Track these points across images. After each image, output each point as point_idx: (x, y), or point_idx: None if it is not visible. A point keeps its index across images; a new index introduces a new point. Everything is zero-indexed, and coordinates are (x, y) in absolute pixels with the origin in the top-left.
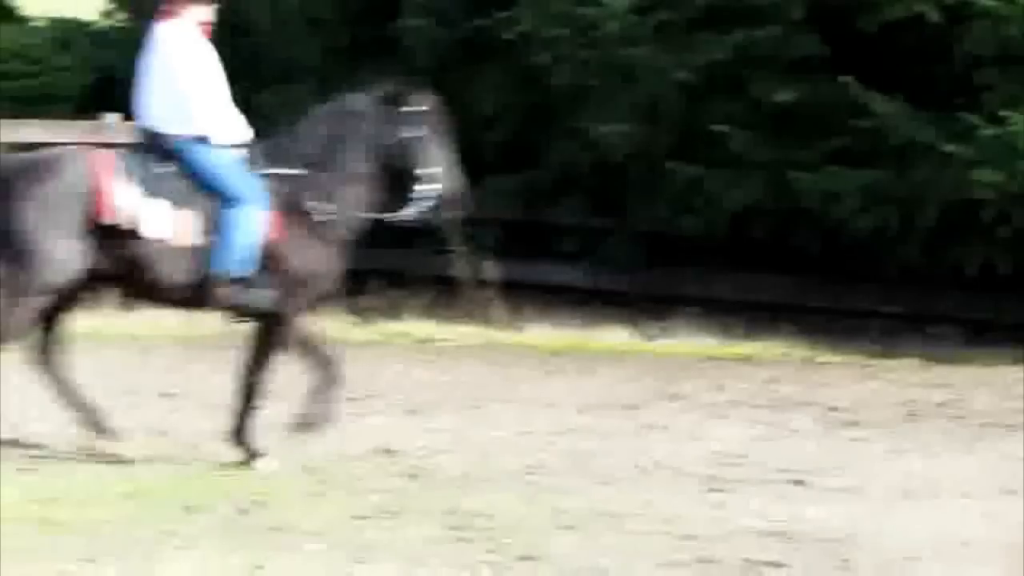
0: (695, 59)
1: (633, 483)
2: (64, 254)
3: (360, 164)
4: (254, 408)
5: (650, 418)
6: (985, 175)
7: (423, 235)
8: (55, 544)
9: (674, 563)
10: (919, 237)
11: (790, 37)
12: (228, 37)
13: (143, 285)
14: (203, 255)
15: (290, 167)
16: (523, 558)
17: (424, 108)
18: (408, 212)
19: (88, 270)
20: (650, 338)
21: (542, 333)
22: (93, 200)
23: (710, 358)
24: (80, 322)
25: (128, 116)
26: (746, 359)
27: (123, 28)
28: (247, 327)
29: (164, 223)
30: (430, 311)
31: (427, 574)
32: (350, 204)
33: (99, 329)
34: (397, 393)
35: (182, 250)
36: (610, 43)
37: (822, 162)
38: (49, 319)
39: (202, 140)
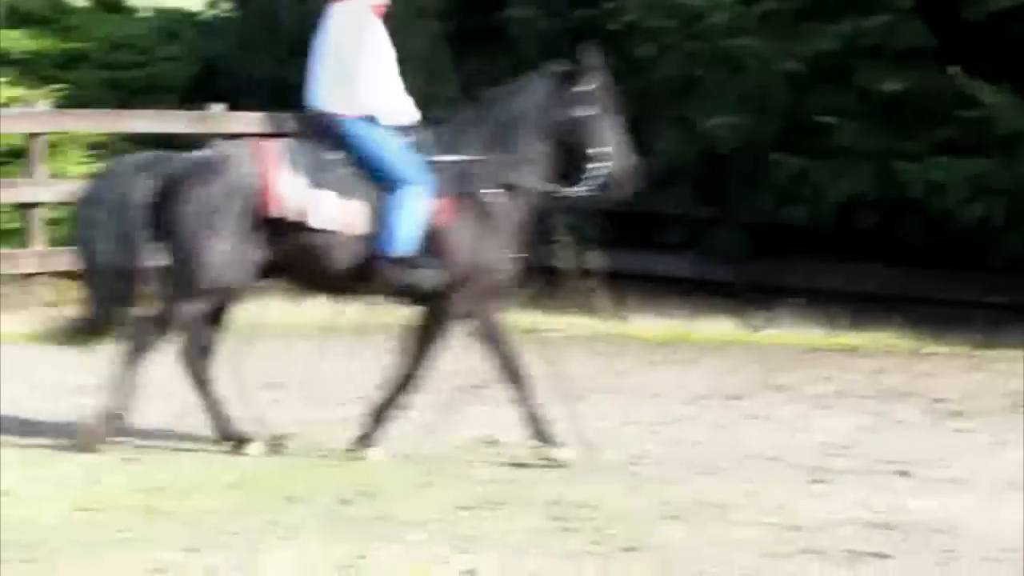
0: (802, 49)
1: (737, 473)
2: (232, 254)
3: (534, 145)
4: (400, 398)
5: (754, 408)
6: None
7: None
8: (159, 533)
9: (777, 554)
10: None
11: (897, 27)
12: None
13: (310, 275)
14: (369, 242)
15: (462, 152)
16: (627, 549)
17: (595, 87)
18: (579, 190)
19: (257, 264)
20: (755, 328)
21: (647, 323)
22: (260, 195)
23: (815, 349)
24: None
25: (233, 106)
26: (851, 350)
27: (228, 18)
28: (401, 316)
29: (331, 213)
30: (535, 301)
31: (530, 564)
32: (525, 186)
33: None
34: (497, 384)
35: (349, 239)
36: (716, 34)
37: (928, 152)
38: (213, 316)
39: (371, 121)
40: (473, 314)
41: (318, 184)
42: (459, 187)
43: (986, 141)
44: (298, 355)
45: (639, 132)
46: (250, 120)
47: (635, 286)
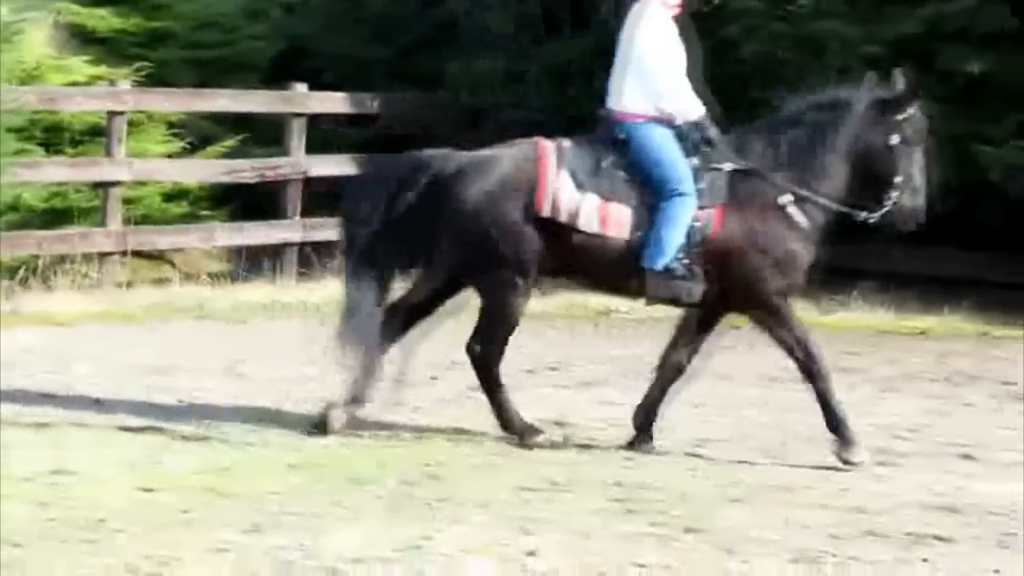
0: (885, 32)
1: (803, 456)
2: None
3: (840, 163)
4: (661, 398)
5: None
6: None
7: None
8: (222, 514)
9: (841, 536)
10: None
11: (980, 10)
12: (422, 6)
13: (578, 276)
14: (636, 248)
15: (752, 159)
16: (689, 530)
17: (913, 115)
18: (874, 216)
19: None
20: (827, 311)
21: None
22: (533, 195)
23: (885, 332)
24: None
25: (316, 86)
26: (921, 333)
27: None
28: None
29: (598, 217)
30: None
31: (592, 546)
32: (820, 202)
33: None
34: (573, 365)
35: (616, 243)
36: (801, 16)
37: (1009, 136)
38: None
39: (660, 123)
40: (759, 319)
41: (588, 187)
42: (742, 195)
43: None
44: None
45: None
46: (332, 100)
47: None
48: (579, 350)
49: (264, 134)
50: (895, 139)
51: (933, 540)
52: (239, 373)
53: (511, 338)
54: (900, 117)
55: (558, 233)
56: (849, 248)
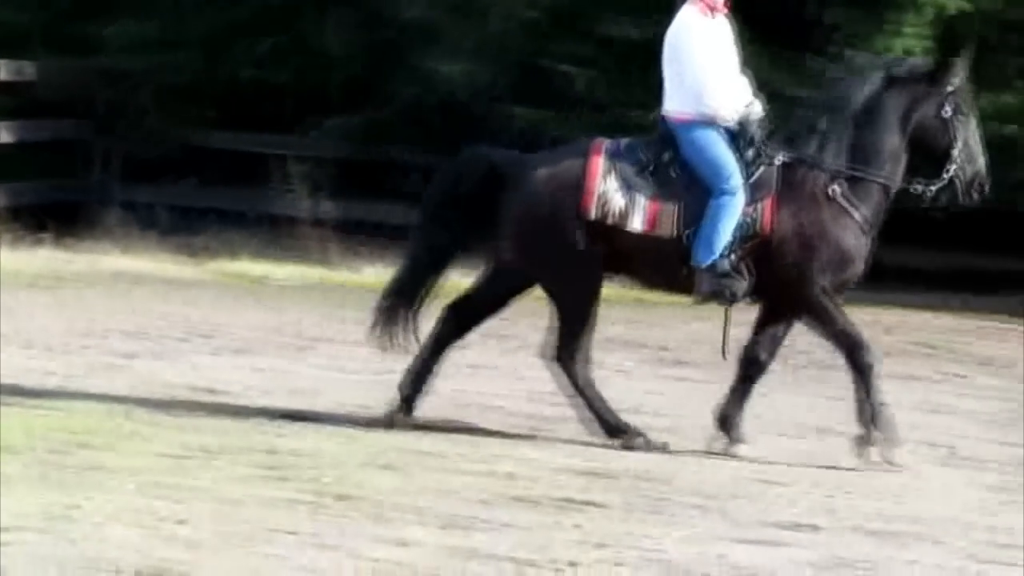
0: None
1: (455, 423)
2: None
3: (893, 140)
4: (747, 392)
5: (477, 358)
6: None
7: (261, 173)
8: None
9: (492, 502)
10: None
11: None
12: None
13: (631, 277)
14: (686, 245)
15: (805, 147)
16: (341, 497)
17: (961, 86)
18: (932, 190)
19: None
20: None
21: (377, 273)
22: (581, 196)
23: (539, 299)
24: None
25: None
26: None
27: None
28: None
29: (648, 216)
30: (266, 251)
31: (243, 513)
32: (879, 180)
33: None
34: (227, 333)
35: (665, 242)
36: None
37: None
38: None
39: (703, 123)
40: (806, 310)
41: (637, 187)
42: (793, 186)
43: None
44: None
45: (374, 80)
46: None
47: (367, 235)
48: (233, 317)
49: None
50: (948, 110)
51: (586, 506)
52: None
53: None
54: (950, 88)
55: (607, 233)
56: None
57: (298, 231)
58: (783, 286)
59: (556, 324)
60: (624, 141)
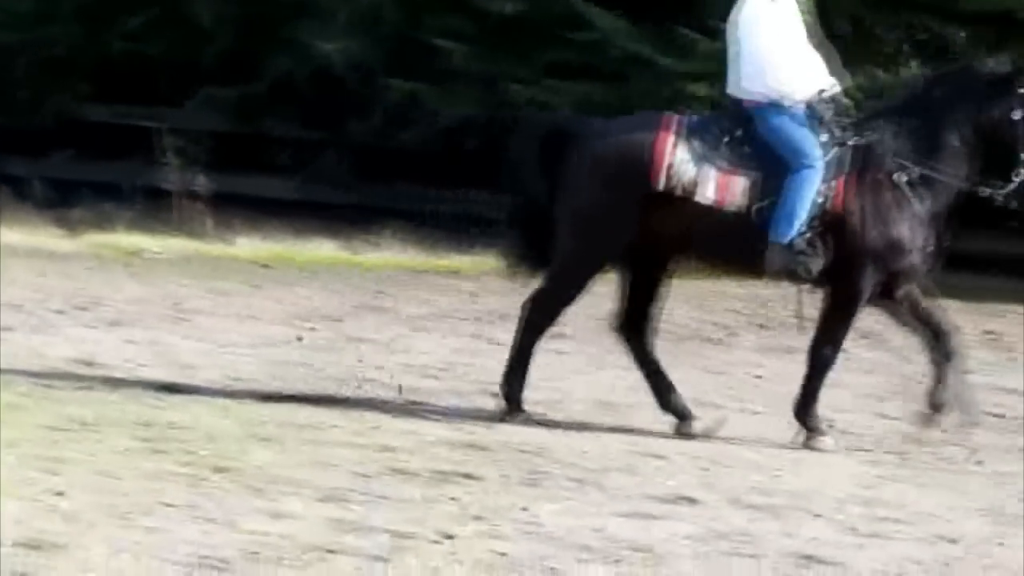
0: None
1: (332, 395)
2: (614, 223)
3: (962, 140)
4: (819, 383)
5: (354, 331)
6: (700, 89)
7: (136, 146)
8: None
9: (369, 474)
10: None
11: None
12: None
13: (698, 252)
14: (759, 220)
15: (877, 134)
16: (218, 470)
17: None
18: (1001, 193)
19: (642, 238)
20: (359, 251)
21: (252, 246)
22: (648, 168)
23: (416, 271)
24: None
25: None
26: (453, 272)
27: None
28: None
29: (720, 188)
30: (142, 223)
31: (121, 486)
32: (944, 176)
33: None
34: (104, 305)
35: (735, 217)
36: None
37: (540, 75)
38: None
39: (777, 104)
40: (881, 295)
41: (707, 159)
42: (865, 168)
43: (598, 64)
44: None
45: (249, 53)
46: None
47: (242, 209)
48: (109, 290)
49: None
50: (1019, 113)
51: (461, 478)
52: None
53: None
54: (1021, 90)
55: (675, 206)
56: (378, 186)
57: (173, 204)
58: (839, 266)
59: (620, 296)
60: (694, 116)
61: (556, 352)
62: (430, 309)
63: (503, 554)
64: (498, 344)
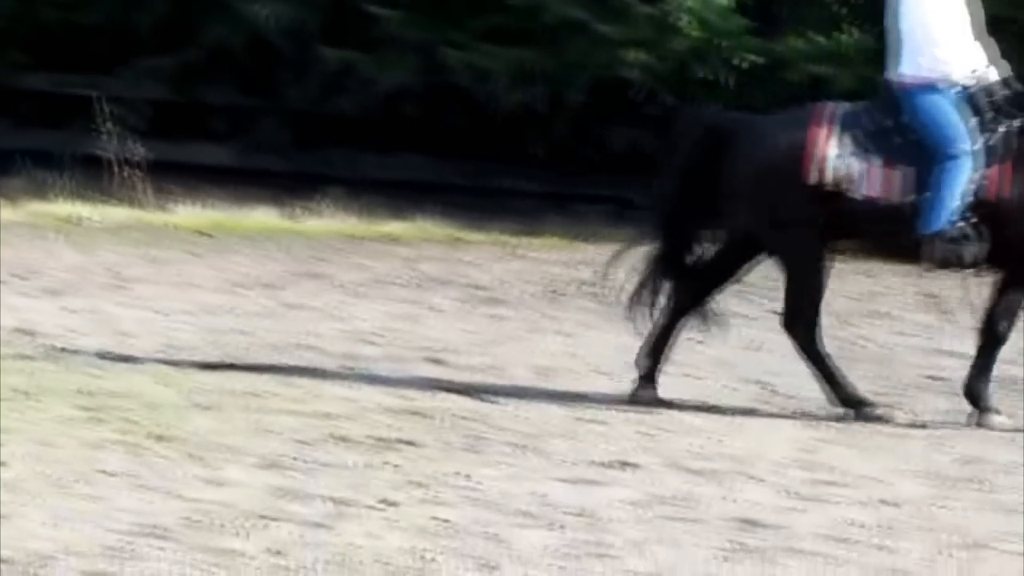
0: None
1: (271, 362)
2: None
3: None
4: (990, 361)
5: (292, 298)
6: (637, 55)
7: (74, 115)
8: None
9: (308, 441)
10: (568, 116)
11: None
12: None
13: (856, 243)
14: (913, 212)
15: None
16: (157, 438)
17: None
18: None
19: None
20: (297, 218)
21: (190, 213)
22: (801, 162)
23: (354, 238)
24: None
25: None
26: (390, 239)
27: None
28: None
29: (873, 183)
30: (80, 192)
31: (59, 455)
32: None
33: None
34: (43, 274)
35: (892, 208)
36: None
37: (475, 40)
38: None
39: (930, 87)
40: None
41: (865, 151)
42: (1021, 155)
43: (533, 29)
44: None
45: (185, 21)
46: None
47: (180, 176)
48: (48, 258)
49: None
50: None
51: (400, 444)
52: None
53: None
54: None
55: (830, 199)
56: (316, 153)
57: (112, 172)
58: (1009, 252)
59: (786, 291)
60: (847, 105)
61: (493, 318)
62: (368, 275)
63: (445, 520)
64: (437, 310)
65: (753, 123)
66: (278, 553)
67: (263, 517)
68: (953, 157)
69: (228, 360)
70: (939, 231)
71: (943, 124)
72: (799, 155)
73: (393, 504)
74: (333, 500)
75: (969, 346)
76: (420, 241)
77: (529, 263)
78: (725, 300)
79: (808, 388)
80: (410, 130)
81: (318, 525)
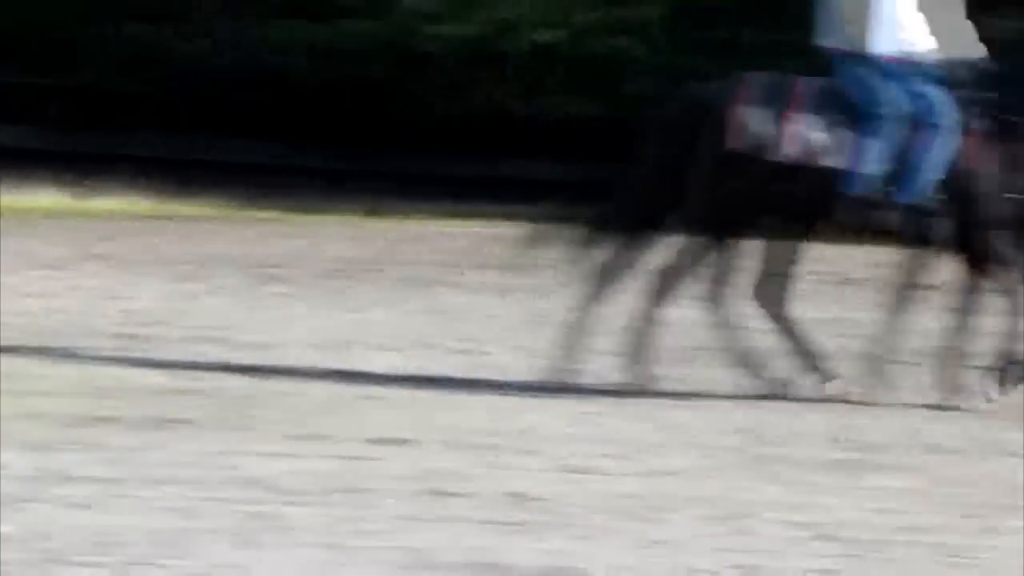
0: None
1: (47, 344)
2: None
3: None
4: (960, 347)
5: (73, 279)
6: (440, 30)
7: None
8: None
9: (80, 423)
10: (363, 92)
11: None
12: None
13: (803, 218)
14: (840, 177)
15: (1012, 94)
16: None
17: None
18: None
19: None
20: (81, 197)
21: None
22: (724, 129)
23: (139, 217)
24: None
25: None
26: (174, 217)
27: None
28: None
29: (800, 146)
30: None
31: None
32: None
33: None
34: None
35: (835, 174)
36: None
37: (273, 15)
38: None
39: (906, 60)
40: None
41: (790, 120)
42: (987, 129)
43: (337, 4)
44: None
45: None
46: None
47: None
48: None
49: None
50: None
51: (171, 424)
52: None
53: None
54: None
55: (762, 167)
56: (106, 134)
57: None
58: (970, 231)
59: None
60: (775, 75)
61: (277, 295)
62: (152, 255)
63: (210, 499)
64: (220, 289)
65: (699, 92)
66: (42, 535)
67: (27, 500)
68: (929, 128)
69: (2, 343)
70: (910, 203)
71: (920, 96)
72: (721, 123)
73: (165, 483)
74: (105, 481)
75: (746, 316)
76: (206, 220)
77: (316, 240)
78: (511, 276)
79: (591, 362)
80: (202, 108)
81: (83, 506)
